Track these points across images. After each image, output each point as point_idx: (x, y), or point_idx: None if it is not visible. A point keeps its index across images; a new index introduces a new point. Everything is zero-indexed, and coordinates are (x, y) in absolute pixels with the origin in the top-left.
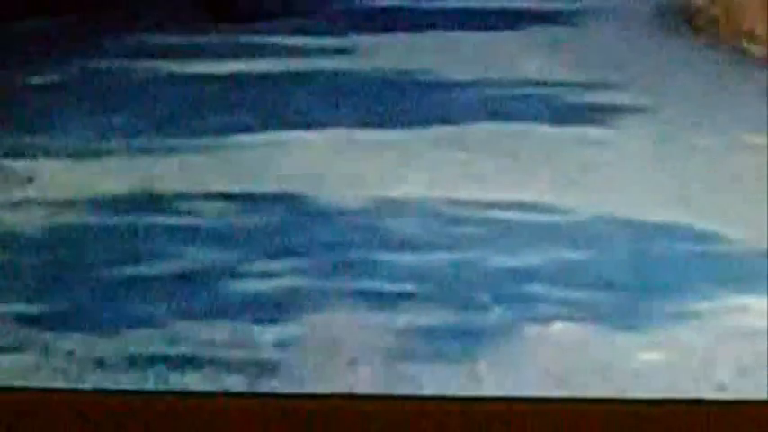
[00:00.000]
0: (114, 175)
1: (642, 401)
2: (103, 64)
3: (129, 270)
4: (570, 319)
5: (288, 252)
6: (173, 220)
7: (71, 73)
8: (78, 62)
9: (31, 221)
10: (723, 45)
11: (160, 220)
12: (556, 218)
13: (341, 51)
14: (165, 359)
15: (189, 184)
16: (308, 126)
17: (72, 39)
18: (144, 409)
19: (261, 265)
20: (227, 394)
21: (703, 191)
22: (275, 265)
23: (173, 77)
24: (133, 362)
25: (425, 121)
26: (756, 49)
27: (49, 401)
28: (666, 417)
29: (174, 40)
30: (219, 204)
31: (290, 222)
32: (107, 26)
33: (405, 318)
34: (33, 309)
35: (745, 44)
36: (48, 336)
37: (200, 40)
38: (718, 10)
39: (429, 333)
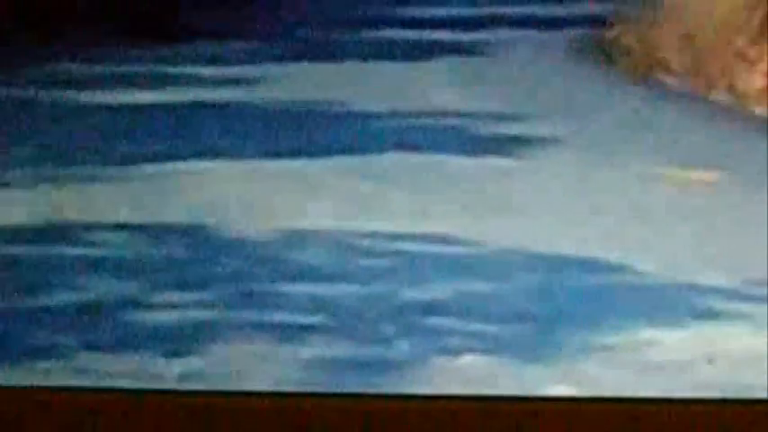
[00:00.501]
0: (18, 204)
1: (638, 400)
2: (8, 93)
3: (34, 301)
4: (479, 351)
5: (193, 283)
6: (77, 251)
7: None
8: None
9: None
10: (638, 76)
11: (64, 250)
12: (465, 250)
13: (251, 81)
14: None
15: (94, 215)
16: (214, 156)
17: None
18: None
19: (166, 297)
20: (223, 393)
21: (613, 223)
22: (180, 297)
23: (80, 107)
24: None
25: (333, 152)
26: (670, 80)
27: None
28: (664, 416)
29: (81, 69)
30: (125, 235)
31: (195, 253)
32: (11, 54)
33: (310, 350)
34: None
35: (659, 75)
36: None
37: (109, 69)
38: (631, 40)
39: (333, 366)
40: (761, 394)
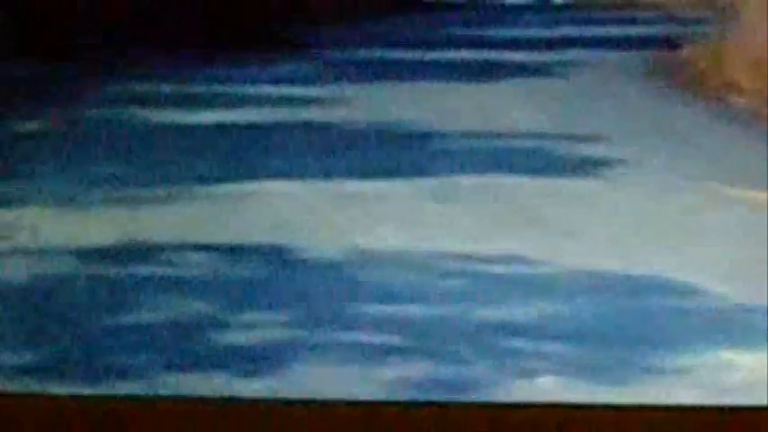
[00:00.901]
0: (100, 224)
1: (649, 408)
2: (89, 112)
3: (114, 320)
4: (555, 372)
5: (272, 304)
6: (157, 271)
7: (57, 121)
8: (64, 110)
9: (16, 271)
10: (708, 97)
11: (144, 270)
12: (536, 270)
13: (327, 101)
14: None
15: (173, 235)
16: (292, 177)
17: (57, 86)
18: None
19: (245, 317)
20: (235, 399)
21: (685, 243)
22: (259, 317)
23: (159, 127)
24: None
25: (407, 172)
26: (741, 102)
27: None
28: (675, 422)
29: (159, 89)
30: (204, 255)
31: (274, 274)
32: (92, 74)
33: (388, 371)
34: (17, 358)
35: (731, 97)
36: (34, 385)
37: (186, 89)
38: (704, 63)
39: (411, 386)
40: None
